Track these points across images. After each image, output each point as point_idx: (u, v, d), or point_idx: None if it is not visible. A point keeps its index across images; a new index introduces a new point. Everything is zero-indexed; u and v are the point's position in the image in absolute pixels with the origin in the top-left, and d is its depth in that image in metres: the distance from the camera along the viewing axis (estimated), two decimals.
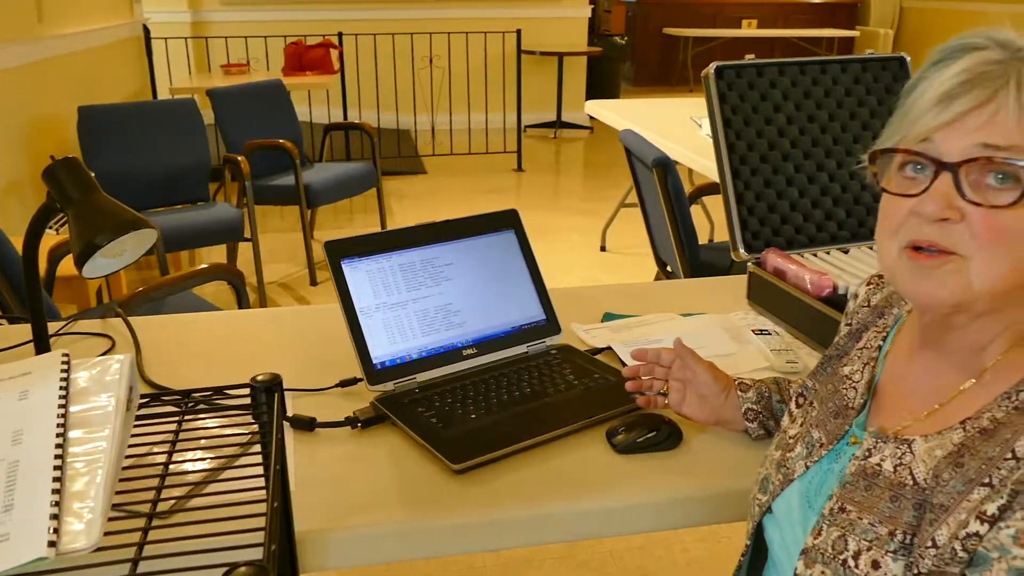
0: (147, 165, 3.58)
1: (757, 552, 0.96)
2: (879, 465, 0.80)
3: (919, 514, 0.74)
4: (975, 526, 0.69)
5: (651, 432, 1.10)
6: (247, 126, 4.18)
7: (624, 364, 1.31)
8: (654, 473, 1.06)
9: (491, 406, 1.17)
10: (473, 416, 1.15)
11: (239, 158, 3.74)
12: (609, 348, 1.39)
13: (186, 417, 0.83)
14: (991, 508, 0.68)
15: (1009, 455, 0.70)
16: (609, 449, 1.10)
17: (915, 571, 0.72)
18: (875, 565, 0.75)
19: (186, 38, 6.31)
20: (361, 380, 1.22)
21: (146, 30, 5.61)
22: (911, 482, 0.76)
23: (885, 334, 0.93)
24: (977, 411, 0.76)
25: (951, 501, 0.72)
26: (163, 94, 5.68)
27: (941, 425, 0.78)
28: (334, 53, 5.72)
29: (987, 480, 0.70)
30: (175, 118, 3.69)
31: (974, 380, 0.78)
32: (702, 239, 2.81)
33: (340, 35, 5.86)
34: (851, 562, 0.76)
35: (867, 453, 0.82)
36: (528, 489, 1.02)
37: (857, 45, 10.22)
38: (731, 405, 1.11)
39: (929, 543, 0.71)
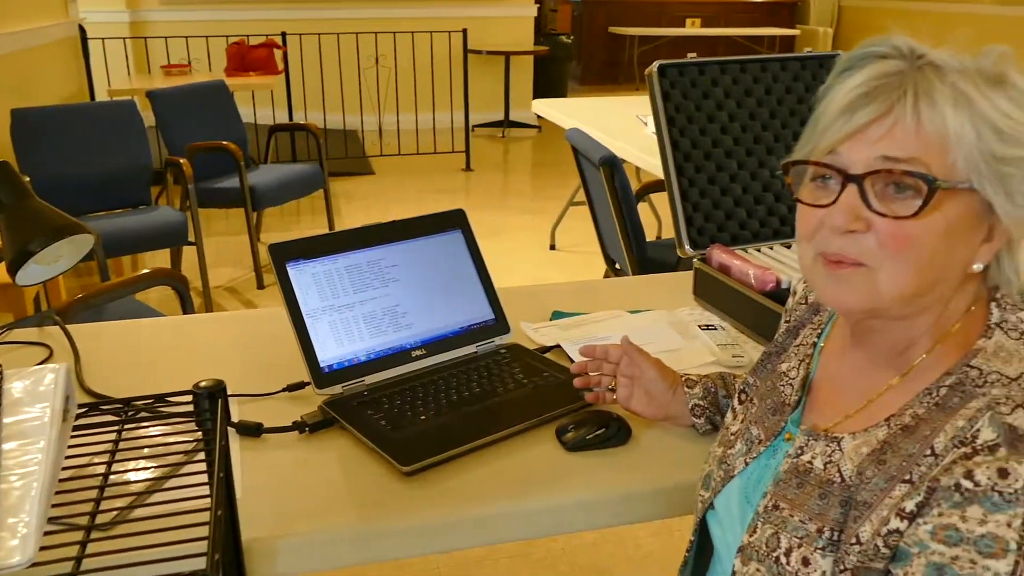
0: (85, 169, 3.49)
1: (703, 548, 0.97)
2: (810, 463, 0.81)
3: (845, 511, 0.76)
4: (895, 523, 0.70)
5: (600, 429, 1.10)
6: (189, 128, 4.10)
7: (573, 362, 1.32)
8: (604, 469, 1.06)
9: (441, 407, 1.17)
10: (423, 417, 1.14)
11: (181, 160, 3.67)
12: (558, 346, 1.39)
13: (127, 426, 0.82)
14: (910, 505, 0.70)
15: (928, 452, 0.71)
16: (559, 447, 1.10)
17: (842, 567, 0.73)
18: (805, 562, 0.76)
19: (124, 38, 6.15)
20: (309, 384, 1.20)
21: (82, 30, 5.47)
22: (839, 479, 0.78)
23: (820, 331, 0.94)
24: (900, 408, 0.77)
25: (874, 498, 0.73)
26: (101, 96, 5.55)
27: (868, 423, 0.79)
28: (278, 53, 5.64)
29: (908, 477, 0.71)
30: (114, 120, 3.60)
31: (900, 378, 0.80)
32: (650, 236, 2.84)
33: (284, 35, 5.78)
34: (783, 559, 0.78)
35: (799, 451, 0.83)
36: (479, 489, 1.02)
37: (798, 43, 10.41)
38: (678, 401, 1.12)
39: (854, 540, 0.73)
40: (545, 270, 4.27)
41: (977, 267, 0.76)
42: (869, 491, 0.74)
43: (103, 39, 5.76)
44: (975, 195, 0.73)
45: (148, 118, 3.85)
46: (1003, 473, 0.65)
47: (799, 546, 0.77)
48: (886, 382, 0.81)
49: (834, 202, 0.76)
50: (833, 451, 0.80)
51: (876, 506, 0.72)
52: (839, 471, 0.78)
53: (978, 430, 0.69)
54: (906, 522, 0.70)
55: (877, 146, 0.74)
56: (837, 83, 0.78)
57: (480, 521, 0.99)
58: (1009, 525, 0.64)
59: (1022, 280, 0.80)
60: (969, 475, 0.66)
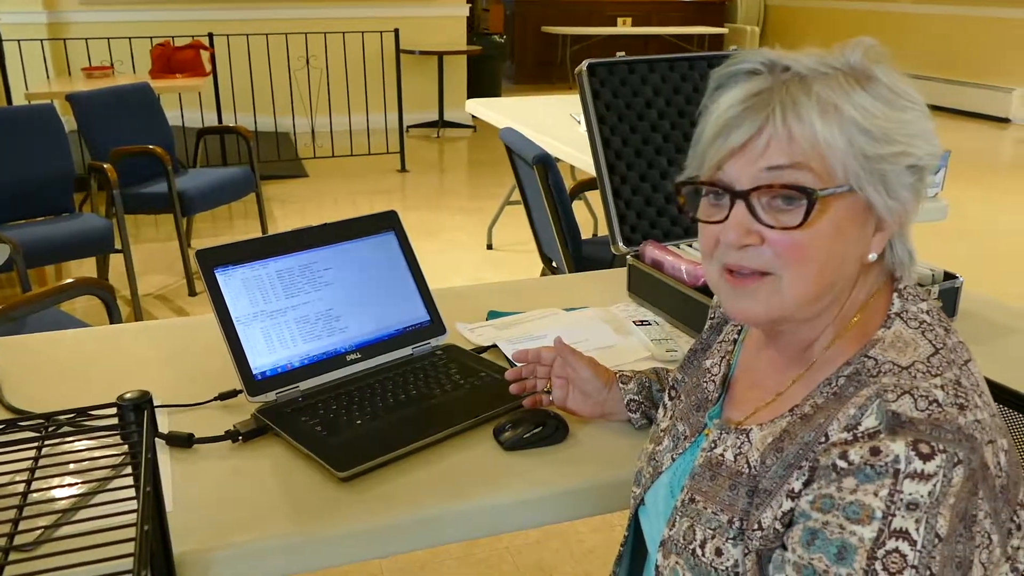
0: (2, 176, 3.36)
1: (640, 544, 0.98)
2: (722, 455, 0.83)
3: (750, 500, 0.78)
4: (787, 504, 0.73)
5: (537, 427, 1.10)
6: (113, 132, 3.99)
7: (510, 361, 1.32)
8: (543, 467, 1.07)
9: (377, 411, 1.15)
10: (359, 422, 1.13)
11: (105, 166, 3.57)
12: (494, 346, 1.39)
13: (50, 442, 0.79)
14: (797, 486, 0.73)
15: (823, 439, 0.73)
16: (497, 447, 1.10)
17: (746, 551, 0.76)
18: (718, 552, 0.78)
19: (42, 40, 5.95)
20: (241, 392, 1.18)
21: None
22: (747, 470, 0.80)
23: (740, 327, 0.96)
24: (803, 399, 0.80)
25: (774, 485, 0.76)
26: (19, 100, 5.35)
27: (774, 414, 0.82)
28: (205, 54, 5.52)
29: (803, 464, 0.74)
30: (33, 125, 3.48)
31: (806, 370, 0.82)
32: (586, 234, 2.85)
33: (211, 35, 5.66)
34: (699, 551, 0.79)
35: (712, 444, 0.85)
36: (417, 492, 1.01)
37: (726, 42, 10.61)
38: (614, 398, 1.13)
39: (756, 526, 0.75)
40: (483, 270, 4.27)
41: (872, 257, 0.79)
42: (769, 479, 0.76)
43: (19, 41, 5.57)
44: (857, 195, 0.76)
45: (69, 123, 3.74)
46: (875, 451, 0.68)
47: (712, 537, 0.79)
48: (794, 375, 0.83)
49: (726, 218, 0.78)
50: (743, 443, 0.82)
51: (775, 493, 0.75)
52: (747, 462, 0.80)
53: (865, 417, 0.71)
54: (794, 501, 0.73)
55: (758, 162, 0.76)
56: (711, 102, 0.80)
57: (420, 524, 0.98)
58: (876, 494, 0.67)
59: (916, 261, 0.83)
60: (844, 455, 0.69)
